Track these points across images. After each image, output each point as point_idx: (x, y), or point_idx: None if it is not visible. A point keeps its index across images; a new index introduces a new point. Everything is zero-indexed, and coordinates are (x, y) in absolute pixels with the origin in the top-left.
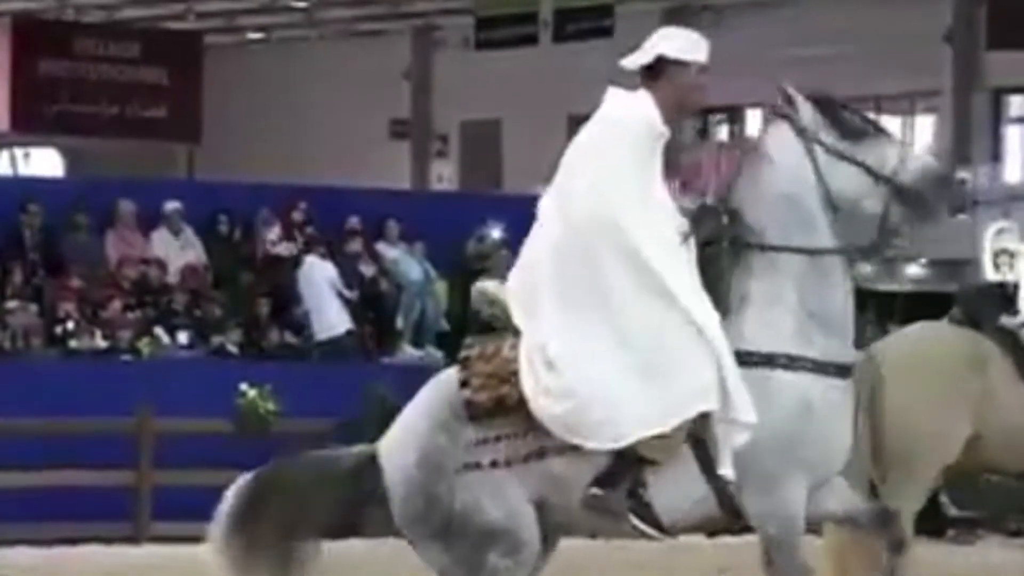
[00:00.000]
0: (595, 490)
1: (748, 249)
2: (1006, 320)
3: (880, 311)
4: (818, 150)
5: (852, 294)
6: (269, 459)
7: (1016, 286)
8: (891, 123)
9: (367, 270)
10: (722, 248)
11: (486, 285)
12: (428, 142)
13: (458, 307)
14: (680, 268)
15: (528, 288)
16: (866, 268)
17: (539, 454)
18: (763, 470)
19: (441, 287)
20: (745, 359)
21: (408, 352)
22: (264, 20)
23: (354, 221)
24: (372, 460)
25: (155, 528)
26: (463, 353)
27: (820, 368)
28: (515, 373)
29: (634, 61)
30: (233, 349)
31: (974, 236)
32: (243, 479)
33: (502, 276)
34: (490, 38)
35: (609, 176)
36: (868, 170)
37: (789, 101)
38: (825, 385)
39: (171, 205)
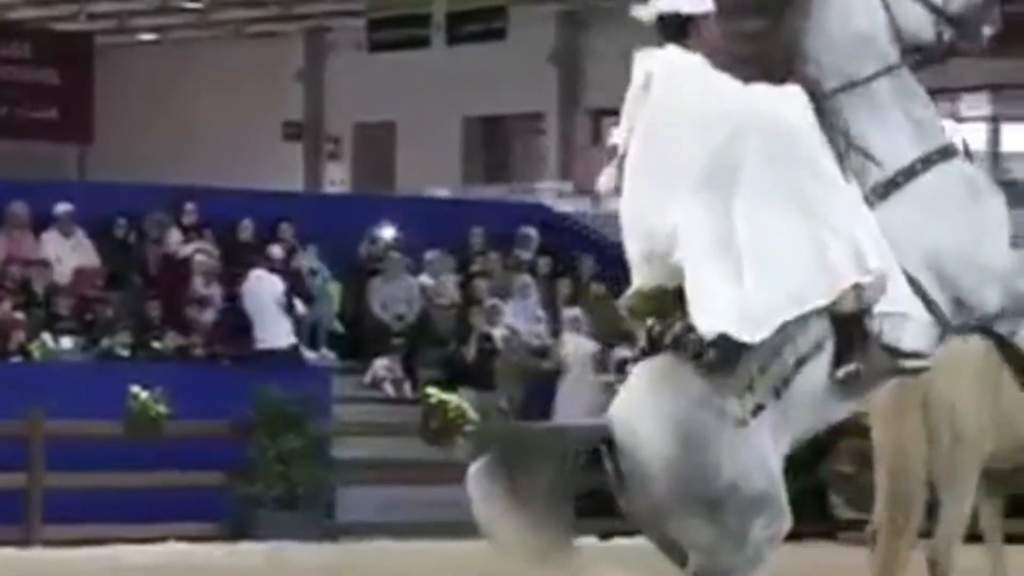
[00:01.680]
0: (842, 371)
1: (840, 94)
2: None
3: None
4: None
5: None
6: (160, 462)
7: None
8: None
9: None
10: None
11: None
12: (321, 144)
13: (351, 309)
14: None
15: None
16: None
17: (785, 381)
18: (981, 248)
19: (335, 289)
20: (891, 185)
21: (301, 354)
22: (156, 21)
23: (248, 224)
24: (607, 442)
25: (46, 531)
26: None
27: (950, 151)
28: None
29: (673, 4)
30: (124, 352)
31: None
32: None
33: (397, 278)
34: (383, 40)
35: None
36: (927, 3)
37: None
38: (960, 163)
39: (62, 207)
